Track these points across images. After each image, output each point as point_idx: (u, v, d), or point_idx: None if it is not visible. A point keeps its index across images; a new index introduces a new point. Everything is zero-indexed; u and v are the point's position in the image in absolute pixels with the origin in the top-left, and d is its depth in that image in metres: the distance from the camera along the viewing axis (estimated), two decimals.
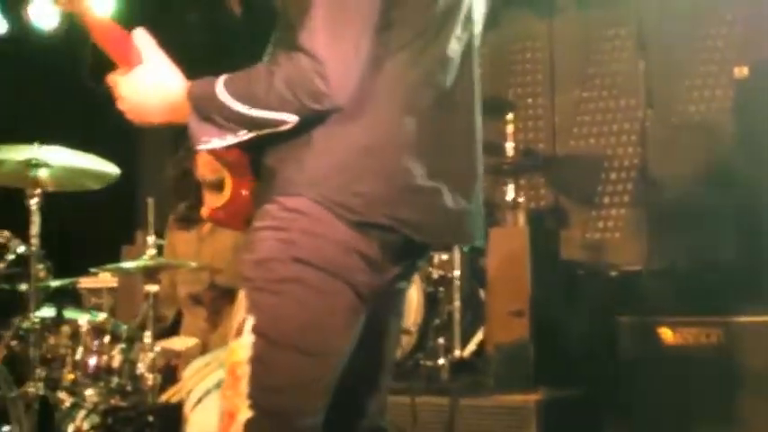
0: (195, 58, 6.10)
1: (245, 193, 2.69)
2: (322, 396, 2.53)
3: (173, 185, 4.93)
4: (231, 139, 2.51)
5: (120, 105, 2.64)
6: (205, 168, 4.65)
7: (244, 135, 2.50)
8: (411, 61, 2.55)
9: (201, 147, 2.52)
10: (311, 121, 2.48)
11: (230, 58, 6.10)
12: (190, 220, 4.87)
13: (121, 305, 5.47)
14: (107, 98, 5.53)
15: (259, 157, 2.61)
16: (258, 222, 2.54)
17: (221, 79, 2.51)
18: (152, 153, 6.45)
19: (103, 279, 5.42)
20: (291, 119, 2.46)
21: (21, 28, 6.41)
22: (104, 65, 2.71)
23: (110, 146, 4.66)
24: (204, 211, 2.76)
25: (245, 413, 2.45)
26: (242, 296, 2.51)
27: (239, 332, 2.48)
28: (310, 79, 2.42)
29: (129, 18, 6.09)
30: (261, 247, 2.51)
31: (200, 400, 4.24)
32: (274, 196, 2.53)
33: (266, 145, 2.58)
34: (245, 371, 2.46)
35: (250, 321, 2.47)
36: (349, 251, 2.49)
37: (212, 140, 2.51)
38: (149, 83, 2.60)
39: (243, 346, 2.47)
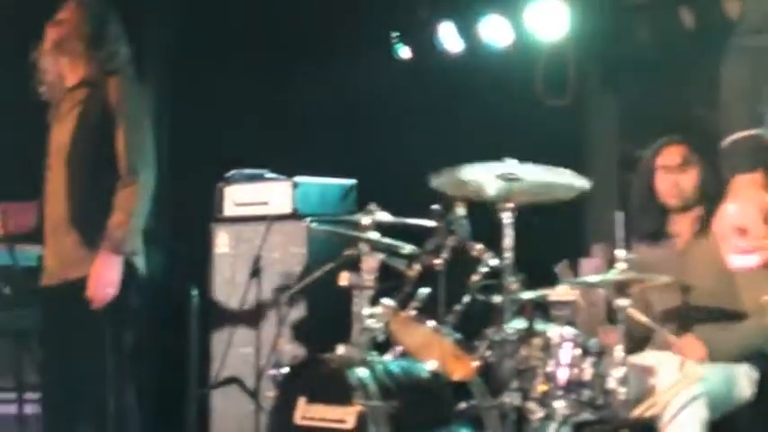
0: (649, 77, 6.10)
1: None
2: None
3: (637, 201, 4.90)
4: None
5: None
6: None
7: None
8: None
9: None
10: None
11: (679, 73, 6.02)
12: (658, 235, 4.81)
13: (581, 318, 5.46)
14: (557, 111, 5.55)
15: None
16: None
17: None
18: (600, 164, 6.45)
19: (563, 292, 5.44)
20: None
21: (475, 46, 6.60)
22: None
23: (559, 157, 4.70)
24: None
25: None
26: None
27: None
28: None
29: (582, 39, 6.19)
30: None
31: (674, 416, 4.18)
32: None
33: None
34: None
35: None
36: None
37: None
38: None
39: None
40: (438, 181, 4.58)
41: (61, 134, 4.57)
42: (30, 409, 5.29)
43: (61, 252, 4.52)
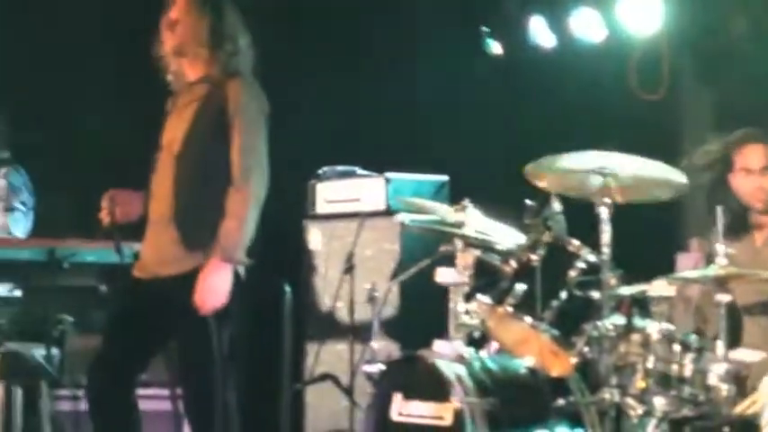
0: (744, 70, 6.01)
1: None
2: None
3: (713, 195, 4.83)
4: None
5: None
6: None
7: None
8: None
9: None
10: None
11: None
12: (737, 229, 4.73)
13: (676, 313, 5.41)
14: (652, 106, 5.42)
15: None
16: None
17: None
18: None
19: (659, 286, 5.38)
20: None
21: (567, 41, 6.54)
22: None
23: (654, 152, 4.65)
24: None
25: None
26: None
27: None
28: None
29: (676, 32, 6.12)
30: None
31: None
32: None
33: None
34: None
35: None
36: None
37: None
38: None
39: None
40: (534, 170, 4.55)
41: (176, 128, 4.47)
42: None
43: (159, 248, 4.43)
